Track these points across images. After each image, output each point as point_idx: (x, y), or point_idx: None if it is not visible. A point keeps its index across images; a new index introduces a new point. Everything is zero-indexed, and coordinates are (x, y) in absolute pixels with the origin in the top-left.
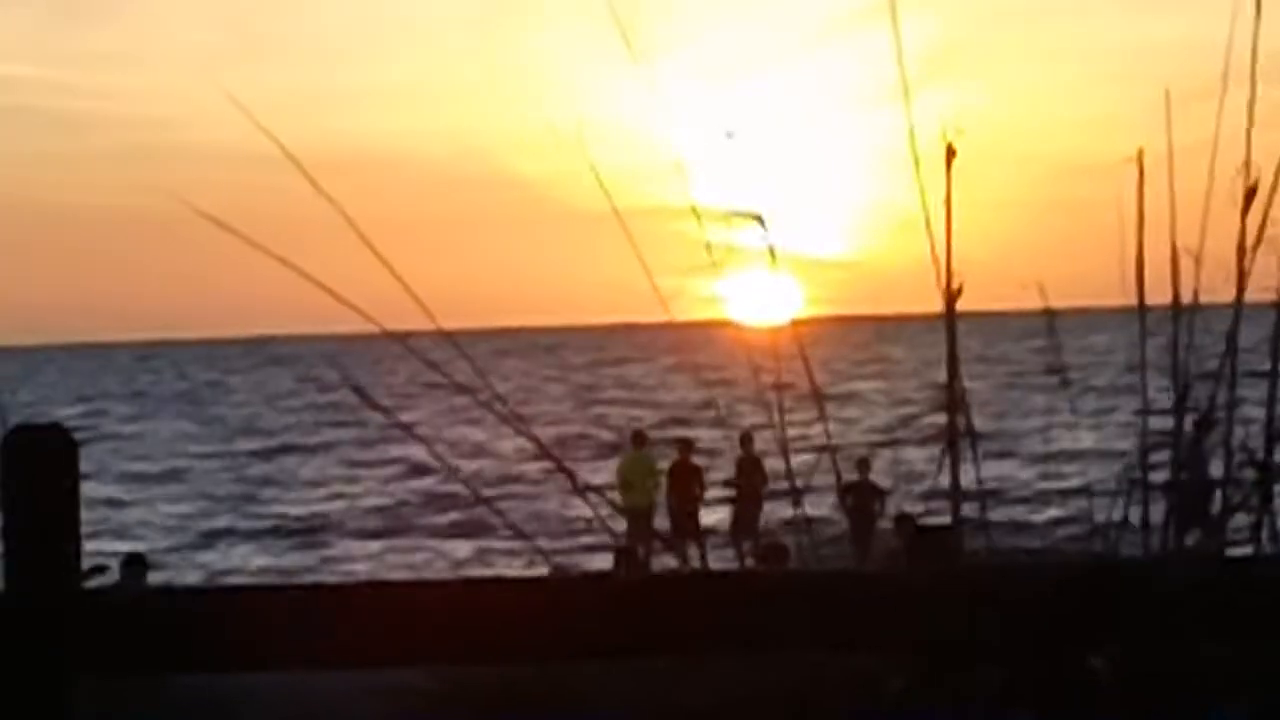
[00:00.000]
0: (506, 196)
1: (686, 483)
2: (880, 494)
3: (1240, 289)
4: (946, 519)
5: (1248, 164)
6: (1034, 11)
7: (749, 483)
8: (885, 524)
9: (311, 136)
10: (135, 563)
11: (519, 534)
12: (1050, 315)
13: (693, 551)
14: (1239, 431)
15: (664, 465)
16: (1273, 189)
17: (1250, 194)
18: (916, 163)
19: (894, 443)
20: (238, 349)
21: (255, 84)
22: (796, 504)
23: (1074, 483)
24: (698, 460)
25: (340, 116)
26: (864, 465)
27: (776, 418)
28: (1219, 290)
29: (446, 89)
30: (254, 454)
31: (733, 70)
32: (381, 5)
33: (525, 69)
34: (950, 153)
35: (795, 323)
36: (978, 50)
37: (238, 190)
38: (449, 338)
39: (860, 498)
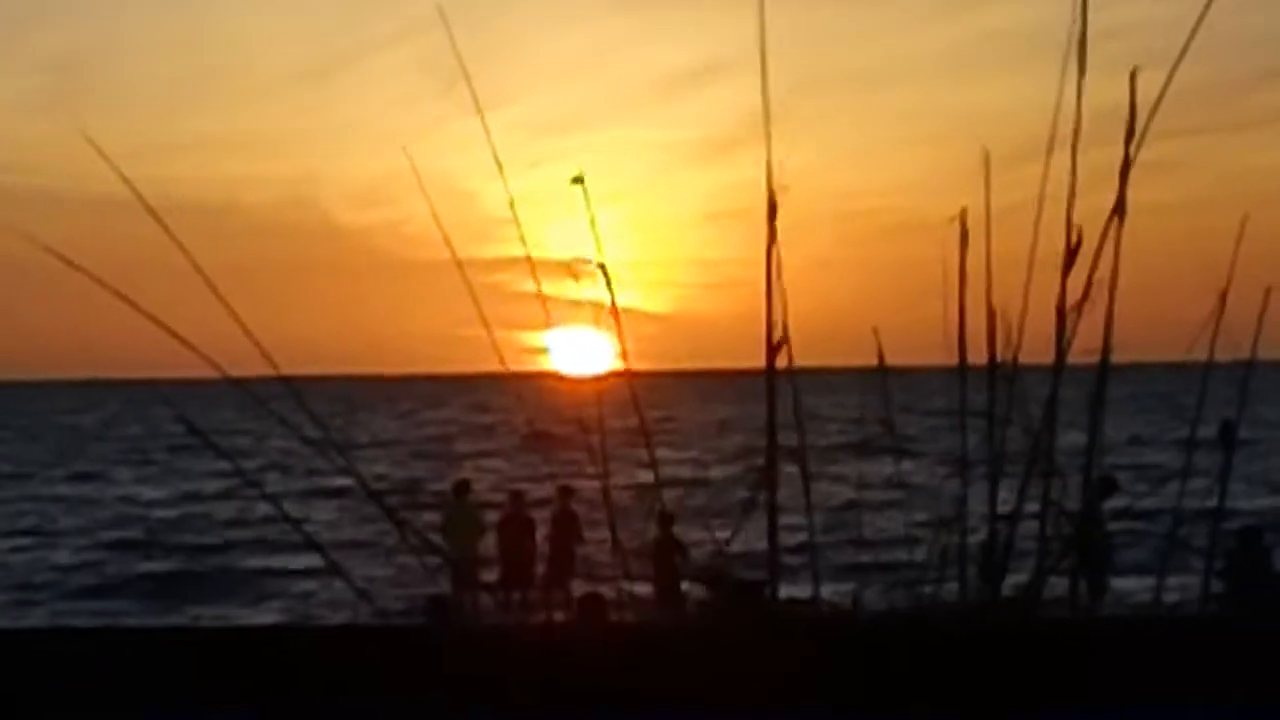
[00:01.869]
0: (333, 245)
1: (517, 533)
2: (682, 549)
3: (1060, 351)
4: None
5: (1069, 223)
6: (858, 76)
7: (563, 536)
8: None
9: (143, 182)
10: None
11: (341, 575)
12: (883, 370)
13: (517, 600)
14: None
15: (493, 516)
16: (1097, 251)
17: (1072, 254)
18: (773, 212)
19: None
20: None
21: (87, 129)
22: (615, 550)
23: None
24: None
25: (171, 163)
26: (666, 519)
27: (598, 468)
28: (1040, 352)
29: (277, 138)
30: None
31: (560, 127)
32: (214, 54)
33: (355, 121)
34: (772, 206)
35: (621, 374)
36: (803, 112)
37: (71, 233)
38: (288, 385)
39: (662, 553)
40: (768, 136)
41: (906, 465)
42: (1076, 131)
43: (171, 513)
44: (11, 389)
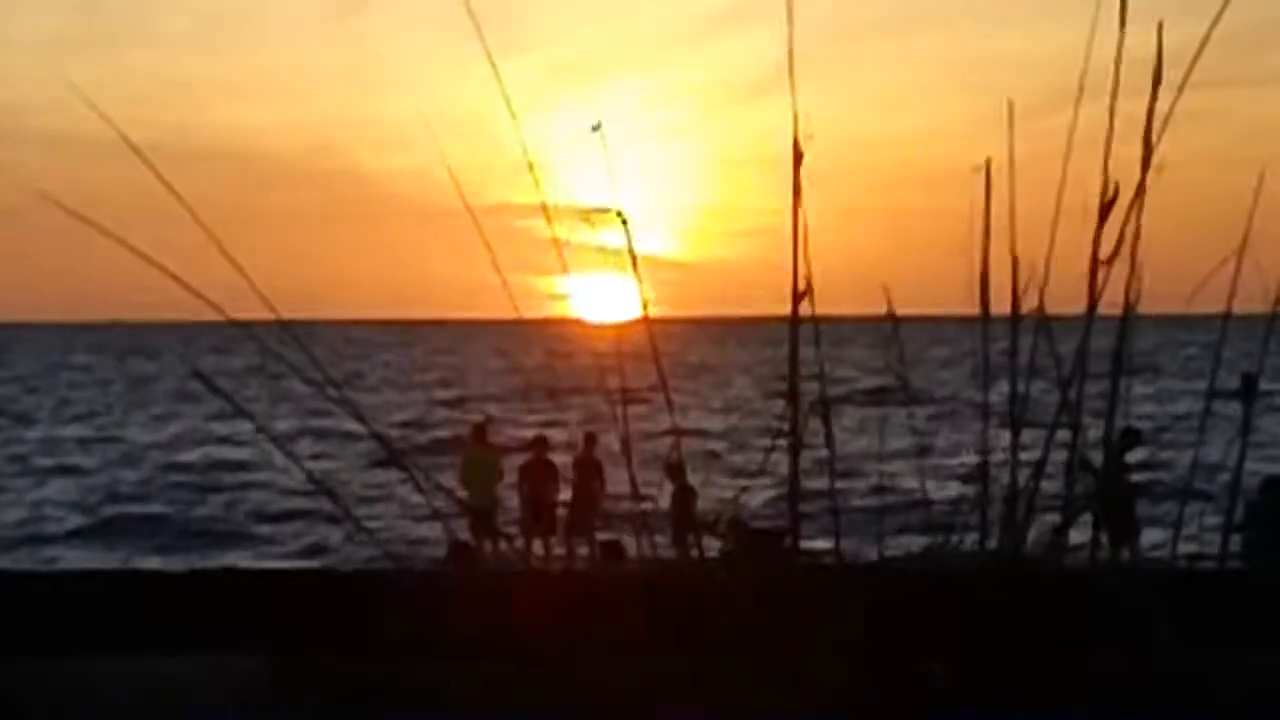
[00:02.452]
0: (353, 191)
1: (540, 479)
2: (694, 494)
3: (1092, 303)
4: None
5: (1105, 176)
6: (883, 24)
7: (585, 483)
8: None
9: (166, 126)
10: None
11: (358, 526)
12: (895, 322)
13: (539, 549)
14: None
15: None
16: (1131, 204)
17: (1106, 207)
18: (798, 159)
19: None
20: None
21: (108, 72)
22: (638, 501)
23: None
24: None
25: (193, 107)
26: (679, 470)
27: (619, 415)
28: (1064, 303)
29: (298, 83)
30: None
31: (585, 71)
32: None
33: (376, 64)
34: (798, 155)
35: (641, 321)
36: (827, 61)
37: (84, 178)
38: (286, 328)
39: (679, 500)
40: (792, 85)
41: (930, 414)
42: (1116, 83)
43: (185, 457)
44: (22, 330)
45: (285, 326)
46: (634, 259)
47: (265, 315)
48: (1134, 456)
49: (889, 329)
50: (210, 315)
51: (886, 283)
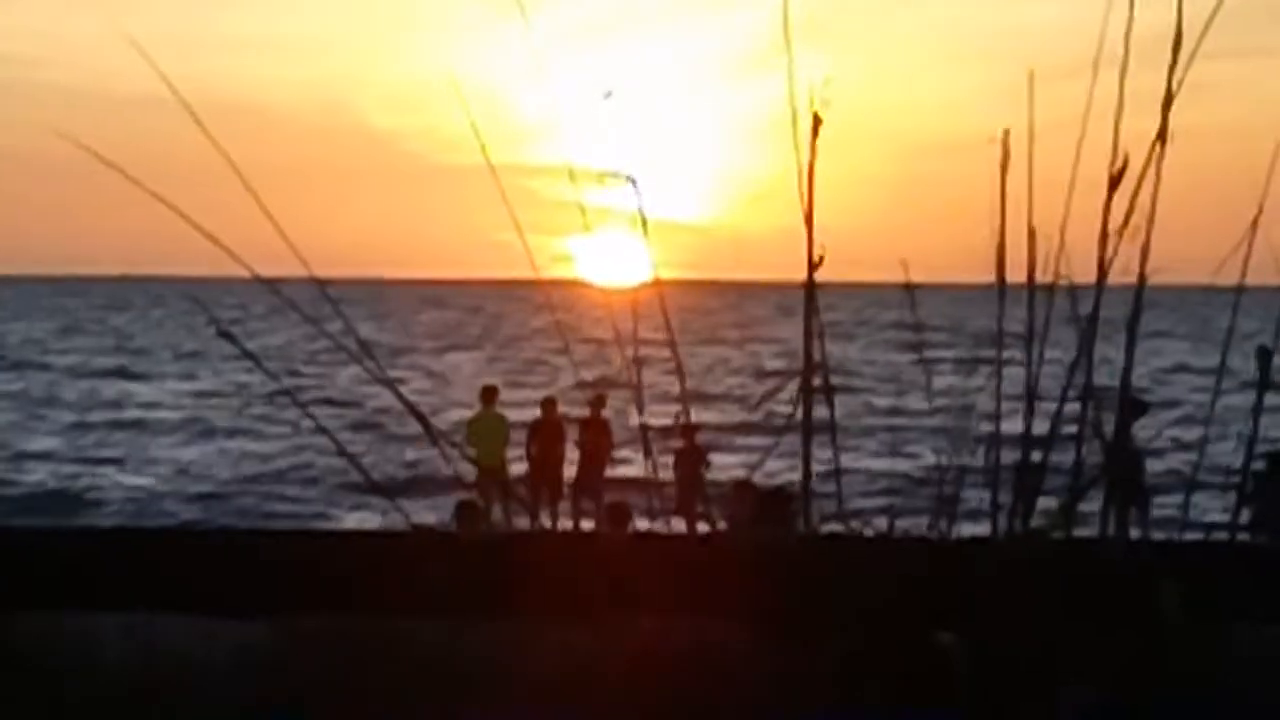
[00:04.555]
0: (368, 149)
1: (549, 439)
2: (704, 457)
3: (1102, 273)
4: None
5: (1115, 147)
6: None
7: (594, 444)
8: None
9: (177, 82)
10: None
11: (372, 485)
12: (910, 290)
13: (547, 510)
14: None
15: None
16: (1141, 175)
17: (1116, 179)
18: (796, 122)
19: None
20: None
21: (121, 26)
22: (648, 459)
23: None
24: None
25: (202, 62)
26: (688, 431)
27: (632, 377)
28: (1079, 273)
29: (312, 39)
30: None
31: (596, 34)
32: None
33: (391, 22)
34: (816, 122)
35: (655, 284)
36: (843, 27)
37: (107, 129)
38: (320, 288)
39: (686, 462)
40: (789, 55)
41: (940, 384)
42: (1126, 55)
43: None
44: (45, 284)
45: (321, 287)
46: (644, 222)
47: (288, 272)
48: (1142, 428)
49: (912, 295)
50: (233, 270)
51: (903, 251)
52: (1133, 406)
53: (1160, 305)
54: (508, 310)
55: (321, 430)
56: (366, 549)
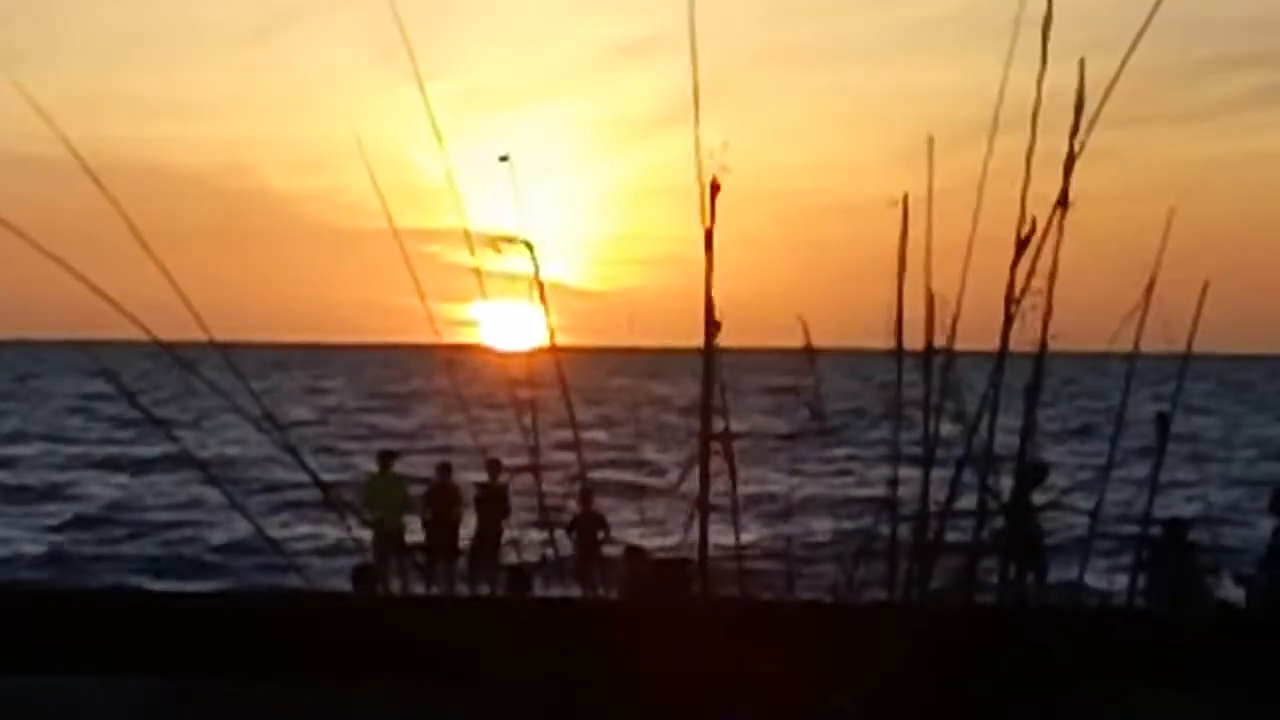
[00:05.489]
0: (268, 212)
1: (444, 504)
2: (603, 524)
3: (1005, 337)
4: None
5: (1022, 212)
6: (794, 56)
7: (490, 511)
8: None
9: (73, 141)
10: None
11: (271, 544)
12: (811, 354)
13: (443, 571)
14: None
15: (419, 487)
16: (1041, 239)
17: (1023, 242)
18: (701, 185)
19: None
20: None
21: (8, 87)
22: (544, 528)
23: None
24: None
25: (100, 124)
26: (587, 496)
27: (530, 443)
28: (976, 339)
29: (213, 101)
30: None
31: (490, 101)
32: (149, 9)
33: (286, 88)
34: (714, 187)
35: (550, 349)
36: (739, 92)
37: (2, 188)
38: (222, 352)
39: (584, 529)
40: (696, 115)
41: (839, 452)
42: (1035, 117)
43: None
44: None
45: (220, 350)
46: (540, 287)
47: (184, 336)
48: (1041, 492)
49: (807, 361)
50: (130, 334)
51: (801, 314)
52: (1034, 470)
53: (1054, 374)
54: (405, 373)
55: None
56: (268, 609)
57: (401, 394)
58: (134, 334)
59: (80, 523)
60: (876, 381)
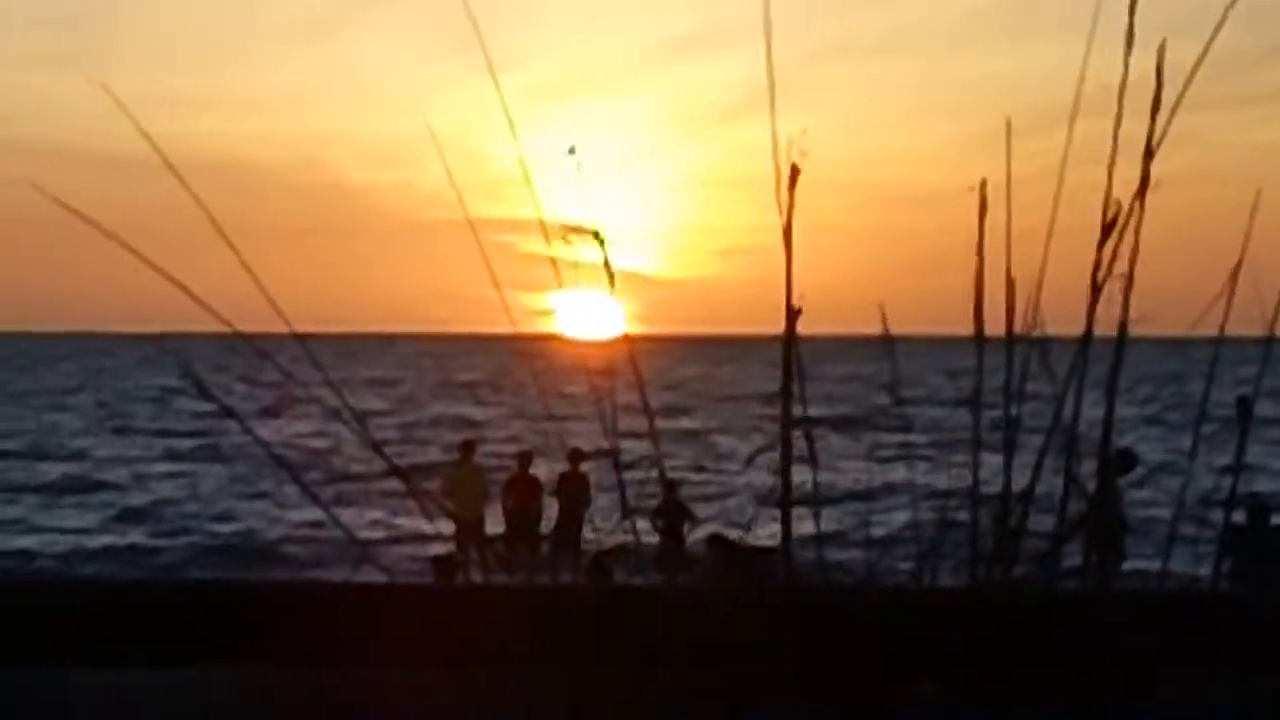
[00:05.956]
0: (344, 205)
1: (525, 495)
2: (688, 514)
3: (1090, 322)
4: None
5: (1107, 196)
6: (864, 45)
7: (571, 500)
8: (695, 543)
9: (154, 139)
10: None
11: (351, 537)
12: (890, 341)
13: (524, 563)
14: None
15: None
16: (1126, 222)
17: (1109, 226)
18: (780, 179)
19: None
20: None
21: (89, 85)
22: (625, 517)
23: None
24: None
25: (176, 120)
26: (671, 487)
27: (609, 432)
28: (1057, 324)
29: (288, 97)
30: None
31: (565, 91)
32: (219, 9)
33: (366, 81)
34: (794, 173)
35: (627, 339)
36: (809, 85)
37: (79, 187)
38: (301, 342)
39: (669, 519)
40: (771, 103)
41: (918, 438)
42: (1121, 98)
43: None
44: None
45: (301, 341)
46: (611, 276)
47: (264, 329)
48: (1130, 479)
49: (882, 348)
50: (210, 326)
51: (879, 301)
52: (1120, 458)
53: (1136, 358)
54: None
55: (306, 491)
56: (348, 601)
57: (477, 382)
58: (210, 326)
59: (134, 515)
60: (956, 368)
